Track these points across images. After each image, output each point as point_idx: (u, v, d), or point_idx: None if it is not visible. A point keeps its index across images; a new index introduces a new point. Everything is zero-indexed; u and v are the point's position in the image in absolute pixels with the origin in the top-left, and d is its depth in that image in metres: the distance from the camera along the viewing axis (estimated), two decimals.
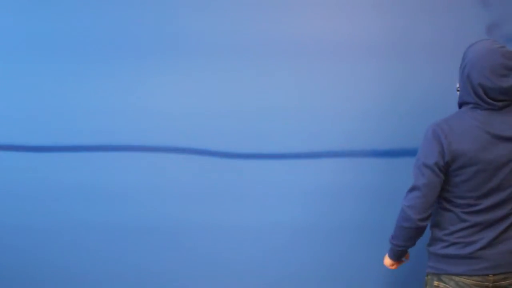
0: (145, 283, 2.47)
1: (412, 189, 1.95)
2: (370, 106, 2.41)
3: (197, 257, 2.45)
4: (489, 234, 1.91)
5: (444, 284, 1.95)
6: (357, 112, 2.41)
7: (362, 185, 2.42)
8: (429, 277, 2.02)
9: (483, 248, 1.91)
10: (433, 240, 2.02)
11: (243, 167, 2.41)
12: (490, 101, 1.89)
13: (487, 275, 1.91)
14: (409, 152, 2.41)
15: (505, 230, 1.92)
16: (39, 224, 2.44)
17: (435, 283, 1.98)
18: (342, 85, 2.40)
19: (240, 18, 2.40)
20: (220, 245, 2.44)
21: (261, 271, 2.46)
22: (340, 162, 2.41)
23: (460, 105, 2.01)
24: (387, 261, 2.13)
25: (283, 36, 2.40)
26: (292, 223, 2.44)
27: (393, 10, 2.40)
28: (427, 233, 2.04)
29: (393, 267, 2.15)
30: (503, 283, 1.92)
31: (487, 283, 1.91)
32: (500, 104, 1.90)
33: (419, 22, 2.39)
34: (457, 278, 1.93)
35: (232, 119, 2.41)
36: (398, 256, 2.09)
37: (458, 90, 2.02)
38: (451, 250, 1.94)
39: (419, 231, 1.98)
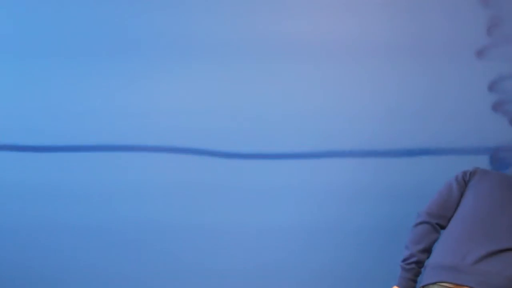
0: (145, 284, 2.47)
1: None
2: (380, 106, 2.39)
3: (197, 258, 2.45)
4: (479, 249, 1.85)
5: None
6: (363, 112, 2.40)
7: (364, 186, 2.42)
8: None
9: (471, 263, 1.84)
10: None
11: (244, 167, 2.41)
12: None
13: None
14: (423, 152, 2.39)
15: (499, 252, 1.85)
16: (39, 224, 2.44)
17: None
18: (347, 85, 2.40)
19: (243, 17, 2.40)
20: (220, 247, 2.44)
21: (262, 273, 2.45)
22: (341, 163, 2.41)
23: None
24: None
25: (284, 36, 2.39)
26: (293, 224, 2.43)
27: (393, 10, 2.40)
28: None
29: None
30: None
31: None
32: None
33: (420, 22, 2.39)
34: None
35: (233, 119, 2.41)
36: (404, 281, 1.99)
37: None
38: (439, 258, 1.89)
39: (428, 228, 1.97)
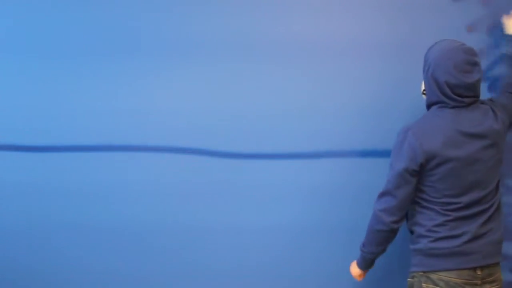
0: (145, 284, 2.47)
1: (384, 194, 1.99)
2: (371, 106, 2.40)
3: (196, 257, 2.45)
4: (471, 227, 1.91)
5: (433, 286, 1.94)
6: (358, 112, 2.40)
7: (364, 186, 2.41)
8: (415, 278, 1.99)
9: (469, 241, 1.91)
10: (417, 238, 2.01)
11: (243, 167, 2.41)
12: (457, 97, 1.92)
13: (475, 269, 1.91)
14: None
15: (485, 223, 1.92)
16: (39, 224, 2.44)
17: (424, 285, 1.96)
18: (343, 85, 2.40)
19: (241, 18, 2.40)
20: (219, 246, 2.44)
21: (261, 272, 2.46)
22: (341, 162, 2.41)
23: (428, 107, 2.04)
24: (355, 270, 2.13)
25: (283, 36, 2.39)
26: (292, 224, 2.43)
27: (391, 9, 2.40)
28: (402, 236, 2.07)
29: (361, 278, 2.15)
30: (489, 279, 1.93)
31: (476, 281, 1.91)
32: (466, 100, 1.93)
33: (419, 22, 2.39)
34: (446, 278, 1.91)
35: (232, 119, 2.41)
36: (368, 264, 2.09)
37: (424, 93, 2.06)
38: (438, 244, 1.94)
39: (392, 234, 2.00)
